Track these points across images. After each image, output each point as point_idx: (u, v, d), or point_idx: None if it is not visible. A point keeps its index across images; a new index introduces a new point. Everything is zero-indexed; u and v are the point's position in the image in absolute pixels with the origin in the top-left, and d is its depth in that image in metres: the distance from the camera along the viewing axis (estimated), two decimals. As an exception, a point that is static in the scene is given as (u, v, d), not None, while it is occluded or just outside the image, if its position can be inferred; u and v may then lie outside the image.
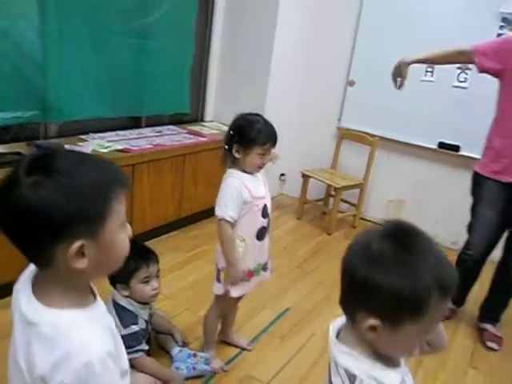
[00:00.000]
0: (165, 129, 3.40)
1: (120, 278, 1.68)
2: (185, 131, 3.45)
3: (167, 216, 3.08)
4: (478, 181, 2.35)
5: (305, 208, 3.87)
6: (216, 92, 3.96)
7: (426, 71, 3.44)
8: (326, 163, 3.93)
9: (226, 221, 1.66)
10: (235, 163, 1.71)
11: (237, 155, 1.68)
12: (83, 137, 2.88)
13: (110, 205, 0.77)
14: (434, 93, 3.43)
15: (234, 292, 1.76)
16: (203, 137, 3.36)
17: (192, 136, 3.32)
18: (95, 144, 2.72)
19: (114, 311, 1.66)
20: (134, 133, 3.16)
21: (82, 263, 0.76)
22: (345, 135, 3.83)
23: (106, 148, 2.70)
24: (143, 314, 1.74)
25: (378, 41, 3.60)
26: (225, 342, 2.09)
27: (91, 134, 2.94)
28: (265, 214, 1.76)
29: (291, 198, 4.02)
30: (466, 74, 3.29)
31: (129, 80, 3.07)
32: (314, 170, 3.76)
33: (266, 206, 1.76)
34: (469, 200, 3.54)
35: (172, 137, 3.22)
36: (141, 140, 3.00)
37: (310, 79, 3.95)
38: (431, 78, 3.44)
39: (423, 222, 3.63)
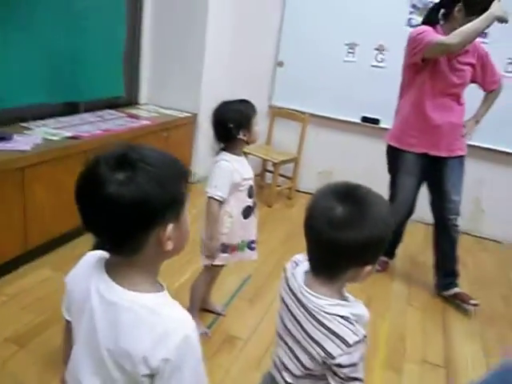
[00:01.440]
0: (105, 113, 3.38)
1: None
2: (124, 115, 3.46)
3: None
4: (396, 154, 2.66)
5: (244, 184, 4.09)
6: (149, 75, 3.97)
7: (348, 52, 3.79)
8: (261, 140, 4.16)
9: (215, 199, 1.83)
10: (231, 147, 1.89)
11: (244, 138, 1.85)
12: (24, 124, 2.80)
13: (185, 187, 0.84)
14: (356, 72, 3.80)
15: (217, 260, 1.96)
16: (146, 120, 3.40)
17: (134, 120, 3.35)
18: (42, 132, 2.67)
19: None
20: (76, 119, 3.12)
21: (169, 245, 0.81)
22: (277, 113, 4.09)
23: (55, 136, 2.66)
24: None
25: (305, 24, 3.86)
26: (202, 308, 2.26)
27: (31, 122, 2.86)
28: (250, 194, 1.95)
29: (229, 175, 4.22)
30: (383, 54, 3.69)
31: (65, 65, 3.00)
32: (250, 147, 3.96)
33: (251, 186, 1.95)
34: (386, 167, 4.02)
35: (115, 121, 3.23)
36: (86, 126, 2.98)
37: (241, 61, 4.11)
38: (353, 59, 3.80)
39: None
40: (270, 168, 4.09)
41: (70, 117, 3.14)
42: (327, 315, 0.96)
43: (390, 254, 3.02)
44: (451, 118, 2.52)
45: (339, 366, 0.94)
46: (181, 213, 0.83)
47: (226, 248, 1.96)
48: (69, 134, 2.72)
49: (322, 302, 0.97)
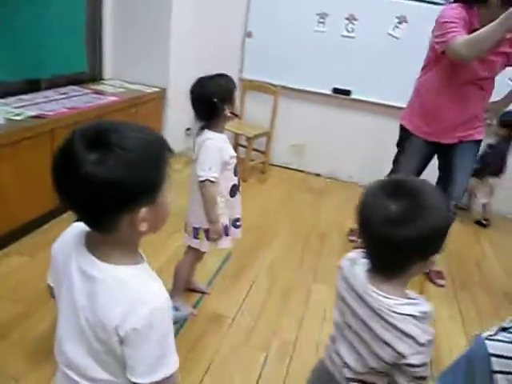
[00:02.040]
0: (69, 90, 3.20)
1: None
2: (89, 91, 3.29)
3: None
4: (406, 135, 2.59)
5: (216, 159, 4.02)
6: (113, 48, 3.77)
7: (319, 22, 3.73)
8: (232, 115, 4.07)
9: (211, 181, 1.77)
10: (214, 124, 1.81)
11: (228, 114, 1.77)
12: (-18, 104, 2.61)
13: (164, 172, 0.84)
14: (326, 42, 3.74)
15: (222, 244, 1.94)
16: (113, 96, 3.25)
17: (101, 96, 3.20)
18: (4, 112, 2.50)
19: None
20: (38, 96, 2.93)
21: (143, 226, 0.82)
22: (248, 86, 4.00)
23: (19, 115, 2.50)
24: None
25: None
26: (187, 288, 2.23)
27: (-10, 101, 2.68)
28: (236, 172, 1.90)
29: (201, 151, 4.13)
30: (354, 24, 3.65)
31: (23, 40, 2.80)
32: (221, 122, 3.88)
33: (236, 164, 1.89)
34: (357, 137, 4.05)
35: (81, 98, 3.07)
36: (50, 104, 2.81)
37: (209, 32, 3.96)
38: (323, 29, 3.74)
39: (323, 161, 4.13)
40: (242, 142, 4.03)
41: (32, 94, 2.95)
42: (397, 315, 0.93)
43: None
44: (470, 108, 2.38)
45: (411, 365, 0.92)
46: (157, 196, 0.83)
47: (227, 230, 1.92)
48: (33, 113, 2.56)
49: (391, 301, 0.94)
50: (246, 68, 4.01)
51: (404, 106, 2.67)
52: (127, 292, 0.83)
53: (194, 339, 1.98)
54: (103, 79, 3.78)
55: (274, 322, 2.17)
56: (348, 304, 1.03)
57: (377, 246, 0.95)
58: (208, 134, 1.81)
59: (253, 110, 4.07)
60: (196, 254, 2.01)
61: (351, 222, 3.13)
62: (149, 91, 3.64)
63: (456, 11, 2.24)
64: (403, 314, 0.93)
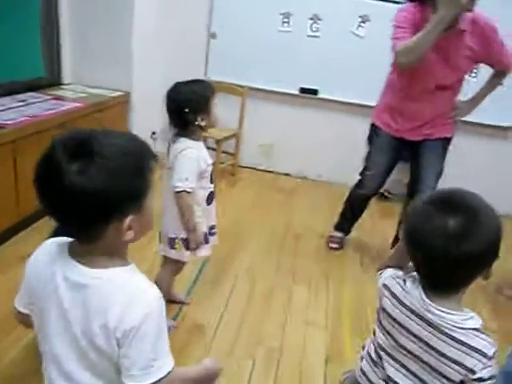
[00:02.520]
0: (27, 97, 3.04)
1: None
2: (49, 97, 3.14)
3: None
4: (373, 129, 2.62)
5: (185, 163, 3.94)
6: (72, 51, 3.61)
7: (283, 22, 3.71)
8: (199, 117, 4.00)
9: (187, 192, 1.71)
10: (189, 133, 1.74)
11: (203, 123, 1.70)
12: None
13: (148, 180, 0.84)
14: (292, 42, 3.73)
15: (199, 253, 1.88)
16: (75, 102, 3.11)
17: (62, 102, 3.05)
18: (-42, 122, 2.34)
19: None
20: (-6, 105, 2.77)
21: (129, 235, 0.83)
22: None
23: (-25, 125, 2.35)
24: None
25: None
26: (166, 299, 2.16)
27: None
28: (212, 179, 1.85)
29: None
30: (318, 24, 3.66)
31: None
32: (189, 125, 3.81)
33: (212, 171, 1.84)
34: (325, 136, 4.07)
35: (40, 105, 2.92)
36: (8, 112, 2.65)
37: (173, 34, 3.86)
38: (288, 28, 3.73)
39: (292, 160, 4.13)
40: (210, 145, 3.96)
41: (-14, 103, 2.79)
42: (463, 330, 0.93)
43: (348, 230, 2.98)
44: (435, 108, 2.40)
45: (480, 380, 0.91)
46: (143, 204, 0.83)
47: (206, 237, 1.87)
48: (-10, 124, 2.41)
49: (455, 317, 0.94)
50: (211, 69, 3.95)
51: (369, 103, 2.69)
52: (119, 292, 0.83)
53: (177, 352, 1.88)
54: (62, 84, 3.62)
55: (257, 328, 2.14)
56: (402, 324, 1.01)
57: (437, 263, 0.92)
58: (185, 142, 1.74)
59: (220, 112, 3.97)
60: (176, 266, 1.95)
61: (325, 224, 3.14)
62: (112, 95, 3.51)
63: (404, 14, 2.19)
64: (469, 329, 0.93)
